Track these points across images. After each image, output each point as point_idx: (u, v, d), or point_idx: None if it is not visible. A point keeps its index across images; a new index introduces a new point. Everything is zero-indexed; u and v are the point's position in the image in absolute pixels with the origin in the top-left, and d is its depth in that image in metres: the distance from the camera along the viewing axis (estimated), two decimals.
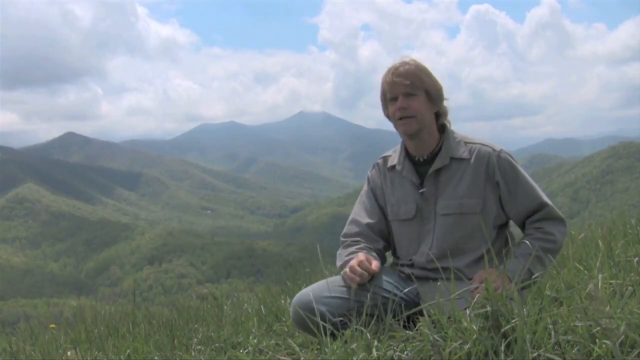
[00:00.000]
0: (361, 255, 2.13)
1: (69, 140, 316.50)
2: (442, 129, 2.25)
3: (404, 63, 2.17)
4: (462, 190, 2.15)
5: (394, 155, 2.32)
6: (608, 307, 1.48)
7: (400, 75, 2.14)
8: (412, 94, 2.14)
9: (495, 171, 2.14)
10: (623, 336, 1.38)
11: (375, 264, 2.10)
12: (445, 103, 2.23)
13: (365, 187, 2.39)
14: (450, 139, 2.22)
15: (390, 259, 2.41)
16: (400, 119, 2.16)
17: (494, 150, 2.17)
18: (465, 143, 2.21)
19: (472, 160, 2.16)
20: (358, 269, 2.06)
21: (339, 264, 2.24)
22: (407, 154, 2.27)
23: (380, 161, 2.38)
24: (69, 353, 2.65)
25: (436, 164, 2.18)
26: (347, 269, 2.09)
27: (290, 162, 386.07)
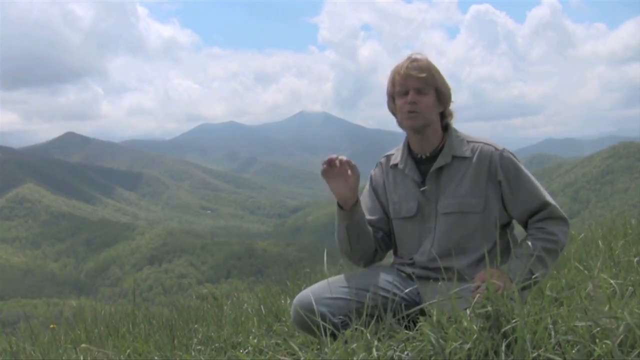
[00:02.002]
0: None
1: (69, 140, 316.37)
2: (446, 128, 2.25)
3: (418, 59, 2.16)
4: (464, 189, 2.14)
5: (397, 154, 2.32)
6: (607, 307, 1.48)
7: (416, 68, 2.13)
8: (423, 90, 2.14)
9: (498, 170, 2.13)
10: (623, 336, 1.38)
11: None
12: (451, 106, 2.23)
13: (367, 186, 2.39)
14: (453, 137, 2.21)
15: (390, 258, 2.41)
16: (409, 112, 2.15)
17: (496, 149, 2.16)
18: (468, 142, 2.20)
19: (474, 159, 2.16)
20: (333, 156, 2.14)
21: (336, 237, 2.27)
22: (409, 151, 2.27)
23: (383, 160, 2.38)
24: (82, 345, 2.65)
25: (438, 162, 2.18)
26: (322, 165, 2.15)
27: (290, 162, 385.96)
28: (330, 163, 2.12)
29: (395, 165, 2.29)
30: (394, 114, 2.26)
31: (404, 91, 2.16)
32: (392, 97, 2.23)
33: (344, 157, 2.13)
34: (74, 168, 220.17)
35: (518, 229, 2.30)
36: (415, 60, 2.15)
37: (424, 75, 2.12)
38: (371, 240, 2.26)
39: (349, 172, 2.15)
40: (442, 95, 2.18)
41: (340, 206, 2.20)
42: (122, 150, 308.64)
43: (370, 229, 2.27)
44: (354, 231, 2.21)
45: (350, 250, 2.25)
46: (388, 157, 2.36)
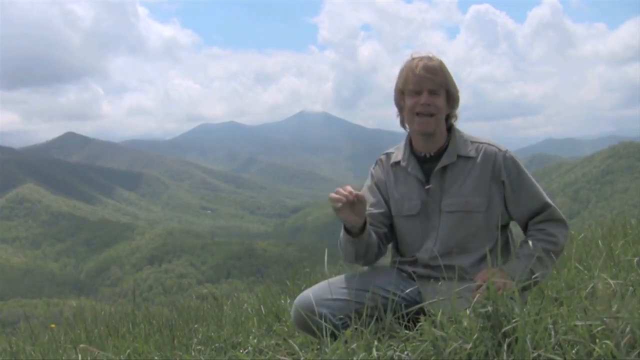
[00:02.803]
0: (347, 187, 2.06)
1: (69, 140, 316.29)
2: (449, 128, 2.25)
3: (432, 59, 2.16)
4: (468, 189, 2.15)
5: (398, 152, 2.32)
6: (607, 307, 1.48)
7: (431, 71, 2.13)
8: (436, 92, 2.14)
9: (502, 171, 2.15)
10: (623, 336, 1.38)
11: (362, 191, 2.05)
12: (457, 109, 2.24)
13: (368, 182, 2.37)
14: (457, 137, 2.22)
15: (389, 258, 2.41)
16: (419, 114, 2.15)
17: (500, 150, 2.18)
18: (472, 142, 2.21)
19: (478, 159, 2.17)
20: (343, 190, 2.02)
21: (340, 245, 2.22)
22: (412, 150, 2.27)
23: (383, 157, 2.37)
24: (81, 345, 2.65)
25: (443, 161, 2.18)
26: (331, 194, 2.02)
27: (290, 162, 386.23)
28: (338, 201, 2.01)
29: (397, 163, 2.29)
30: (400, 109, 2.25)
31: (417, 91, 2.15)
32: (401, 93, 2.22)
33: (348, 189, 2.02)
34: (74, 168, 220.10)
35: (516, 230, 2.31)
36: (431, 60, 2.15)
37: (439, 79, 2.12)
38: (376, 247, 2.25)
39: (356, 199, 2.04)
40: (452, 97, 2.19)
41: (347, 229, 2.13)
42: (122, 150, 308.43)
43: (375, 238, 2.23)
44: (361, 248, 2.18)
45: (356, 260, 2.23)
46: (388, 155, 2.36)
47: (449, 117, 2.23)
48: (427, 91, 2.13)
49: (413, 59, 2.18)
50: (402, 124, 2.27)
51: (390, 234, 2.34)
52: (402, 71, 2.21)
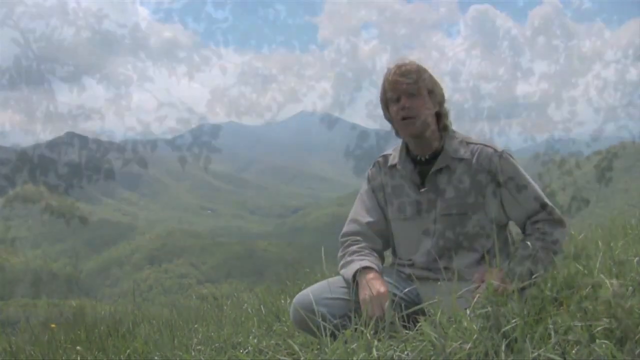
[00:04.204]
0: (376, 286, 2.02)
1: (69, 140, 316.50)
2: (444, 129, 2.25)
3: (405, 63, 2.17)
4: (464, 191, 2.15)
5: (395, 154, 2.31)
6: (607, 307, 1.48)
7: (404, 74, 2.13)
8: (414, 94, 2.14)
9: (497, 172, 2.14)
10: (623, 336, 1.38)
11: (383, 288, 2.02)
12: (446, 105, 2.23)
13: (365, 186, 2.38)
14: (452, 139, 2.21)
15: (389, 259, 2.41)
16: (403, 119, 2.15)
17: (495, 151, 2.17)
18: (467, 143, 2.21)
19: (473, 160, 2.16)
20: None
21: (341, 270, 2.19)
22: (407, 153, 2.27)
23: (380, 159, 2.37)
24: (78, 347, 2.65)
25: (438, 164, 2.18)
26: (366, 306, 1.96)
27: (291, 162, 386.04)
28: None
29: (393, 165, 2.29)
30: (390, 121, 2.26)
31: (396, 97, 2.16)
32: (385, 105, 2.24)
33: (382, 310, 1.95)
34: (74, 168, 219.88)
35: (514, 230, 2.30)
36: (403, 65, 2.16)
37: (411, 81, 2.12)
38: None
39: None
40: (434, 95, 2.18)
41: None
42: (122, 150, 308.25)
43: (381, 264, 2.23)
44: None
45: None
46: (385, 157, 2.35)
47: (439, 116, 2.23)
48: (405, 95, 2.14)
49: (388, 68, 2.20)
50: (397, 134, 2.28)
51: (388, 243, 2.34)
52: (381, 84, 2.23)
